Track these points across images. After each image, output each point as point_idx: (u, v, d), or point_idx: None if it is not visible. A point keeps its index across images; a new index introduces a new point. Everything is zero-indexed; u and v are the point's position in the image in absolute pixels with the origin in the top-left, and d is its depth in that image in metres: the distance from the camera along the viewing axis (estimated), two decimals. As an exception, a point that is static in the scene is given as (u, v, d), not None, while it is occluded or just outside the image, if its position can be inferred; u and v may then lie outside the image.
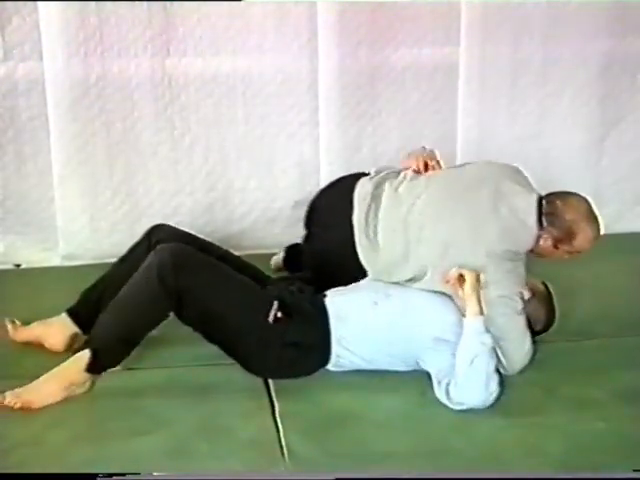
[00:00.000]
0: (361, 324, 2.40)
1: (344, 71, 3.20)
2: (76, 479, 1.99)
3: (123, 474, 1.97)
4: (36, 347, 2.52)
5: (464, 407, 2.28)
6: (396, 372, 2.44)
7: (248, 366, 2.41)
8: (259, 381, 2.42)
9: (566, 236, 2.47)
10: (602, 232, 2.54)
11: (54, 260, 3.21)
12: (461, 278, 2.35)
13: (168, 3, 3.02)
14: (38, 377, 2.28)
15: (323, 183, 3.36)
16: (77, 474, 2.00)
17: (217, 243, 2.68)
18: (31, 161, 3.14)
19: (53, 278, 3.06)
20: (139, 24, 3.01)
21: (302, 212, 3.34)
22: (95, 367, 2.31)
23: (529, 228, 2.46)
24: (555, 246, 2.49)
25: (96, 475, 1.95)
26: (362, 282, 2.55)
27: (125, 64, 3.05)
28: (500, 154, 3.36)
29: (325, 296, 2.47)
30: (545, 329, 2.54)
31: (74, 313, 2.57)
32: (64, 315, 2.57)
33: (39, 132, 3.09)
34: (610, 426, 2.24)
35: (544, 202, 2.48)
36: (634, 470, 2.02)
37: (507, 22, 3.26)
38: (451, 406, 2.29)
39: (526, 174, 2.63)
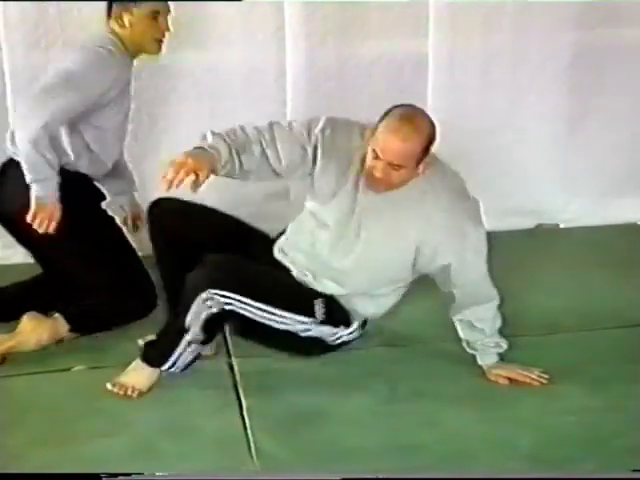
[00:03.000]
0: None
1: (312, 63, 3.17)
2: (79, 479, 1.96)
3: (129, 474, 1.94)
4: None
5: None
6: (364, 369, 2.44)
7: None
8: (226, 379, 2.41)
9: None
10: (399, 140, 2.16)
11: (15, 257, 3.14)
12: None
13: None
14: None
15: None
16: (80, 474, 1.96)
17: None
18: (-9, 155, 3.07)
19: (14, 276, 2.99)
20: (101, 15, 2.94)
21: (272, 206, 3.33)
22: None
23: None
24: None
25: (99, 475, 1.92)
26: None
27: (87, 56, 2.98)
28: (469, 146, 3.36)
29: None
30: None
31: None
32: None
33: (-1, 125, 3.02)
34: (579, 419, 2.24)
35: None
36: (633, 470, 2.01)
37: (476, 13, 3.24)
38: None
39: None
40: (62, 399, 2.30)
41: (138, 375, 2.34)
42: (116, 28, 2.55)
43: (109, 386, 2.31)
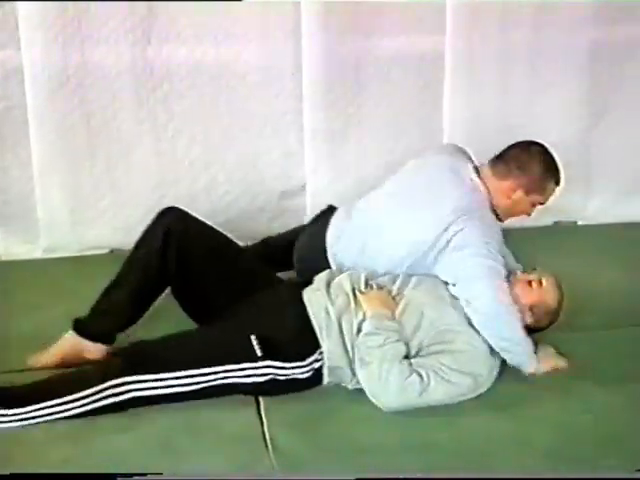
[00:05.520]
0: None
1: (329, 59, 3.16)
2: (95, 479, 1.97)
3: (144, 474, 1.94)
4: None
5: None
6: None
7: None
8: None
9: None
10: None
11: (35, 252, 3.17)
12: None
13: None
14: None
15: (308, 173, 3.34)
16: (96, 474, 1.97)
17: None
18: (10, 152, 3.09)
19: (34, 271, 3.01)
20: (119, 12, 2.96)
21: (288, 202, 3.34)
22: None
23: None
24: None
25: (116, 475, 1.93)
26: None
27: (105, 53, 2.99)
28: (487, 143, 3.34)
29: None
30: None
31: None
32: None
33: (18, 122, 3.03)
34: (597, 418, 2.23)
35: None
36: (636, 470, 2.01)
37: (494, 10, 3.23)
38: None
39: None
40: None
41: None
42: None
43: None
